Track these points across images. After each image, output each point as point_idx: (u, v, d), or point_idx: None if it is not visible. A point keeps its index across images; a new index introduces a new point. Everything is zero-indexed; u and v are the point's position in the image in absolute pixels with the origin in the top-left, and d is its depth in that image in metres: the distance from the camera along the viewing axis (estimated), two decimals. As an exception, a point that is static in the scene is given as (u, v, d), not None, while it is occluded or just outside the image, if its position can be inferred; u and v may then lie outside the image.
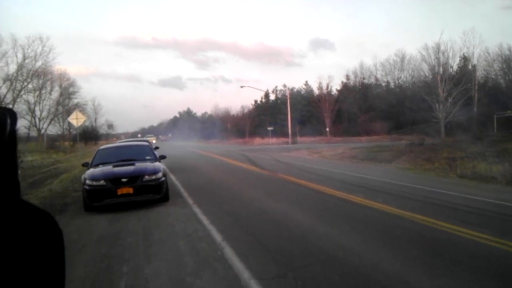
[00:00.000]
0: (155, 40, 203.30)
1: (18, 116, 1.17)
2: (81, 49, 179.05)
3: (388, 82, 77.47)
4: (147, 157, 12.61)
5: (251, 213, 9.60)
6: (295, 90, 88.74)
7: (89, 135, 64.65)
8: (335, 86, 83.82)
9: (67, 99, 63.73)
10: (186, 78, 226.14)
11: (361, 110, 71.02)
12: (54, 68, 58.62)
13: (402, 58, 72.85)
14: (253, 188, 14.05)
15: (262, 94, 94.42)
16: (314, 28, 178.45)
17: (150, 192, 10.80)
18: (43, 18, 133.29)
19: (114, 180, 10.55)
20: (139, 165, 11.46)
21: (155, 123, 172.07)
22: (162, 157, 13.51)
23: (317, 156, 29.95)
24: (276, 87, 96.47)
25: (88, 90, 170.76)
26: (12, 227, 1.02)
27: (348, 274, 5.35)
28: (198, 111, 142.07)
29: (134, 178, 10.70)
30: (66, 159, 33.76)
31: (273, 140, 63.10)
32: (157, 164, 11.84)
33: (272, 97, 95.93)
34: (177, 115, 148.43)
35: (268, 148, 46.81)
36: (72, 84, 64.77)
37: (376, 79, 79.11)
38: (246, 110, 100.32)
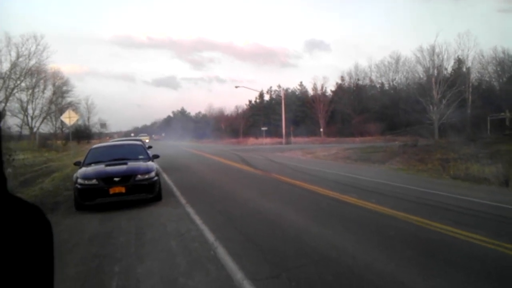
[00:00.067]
0: (150, 40, 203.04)
1: (2, 114, 1.14)
2: (75, 48, 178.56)
3: (382, 84, 77.83)
4: (140, 157, 12.52)
5: (244, 212, 9.54)
6: (289, 90, 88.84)
7: (81, 134, 64.32)
8: (330, 87, 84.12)
9: (60, 98, 63.26)
10: (180, 78, 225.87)
11: (355, 111, 71.21)
12: (48, 66, 58.20)
13: (397, 60, 73.30)
14: (246, 187, 13.99)
15: (257, 94, 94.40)
16: (309, 29, 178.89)
17: (142, 192, 10.71)
18: (38, 17, 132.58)
19: (106, 179, 10.45)
20: (131, 164, 11.36)
21: (148, 123, 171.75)
22: (155, 157, 13.42)
23: (310, 156, 29.93)
24: (271, 87, 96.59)
25: (82, 89, 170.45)
26: (0, 221, 1.00)
27: (342, 274, 5.30)
28: (192, 110, 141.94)
29: (127, 177, 10.61)
30: (58, 157, 33.53)
31: (267, 140, 63.07)
32: (150, 163, 11.75)
33: (266, 97, 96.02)
34: (171, 115, 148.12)
35: (262, 148, 46.76)
36: (65, 82, 64.37)
37: (371, 81, 79.46)
38: (240, 110, 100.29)
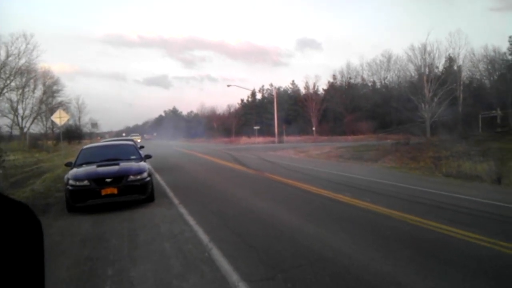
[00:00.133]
0: (142, 39, 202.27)
1: None
2: (65, 47, 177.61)
3: (374, 82, 78.15)
4: (132, 157, 12.40)
5: (238, 213, 9.47)
6: (281, 89, 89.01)
7: (72, 134, 63.97)
8: (322, 86, 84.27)
9: (50, 98, 62.65)
10: (172, 76, 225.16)
11: (347, 109, 71.41)
12: (38, 66, 57.56)
13: (389, 59, 73.58)
14: (239, 187, 13.92)
15: (249, 93, 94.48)
16: (301, 28, 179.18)
17: (135, 193, 10.59)
18: (27, 15, 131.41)
19: (98, 180, 10.32)
20: (123, 165, 11.24)
21: (140, 122, 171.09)
22: (148, 157, 13.31)
23: (303, 155, 29.92)
24: (263, 86, 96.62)
25: (73, 89, 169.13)
26: None
27: (338, 275, 5.25)
28: (184, 110, 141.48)
29: (119, 178, 10.49)
30: (49, 158, 33.25)
31: (259, 139, 63.02)
32: (142, 164, 11.63)
33: (258, 96, 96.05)
34: (163, 114, 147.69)
35: (254, 147, 46.70)
36: (56, 82, 63.76)
37: (363, 79, 79.75)
38: (232, 109, 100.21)
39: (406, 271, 5.29)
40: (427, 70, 54.76)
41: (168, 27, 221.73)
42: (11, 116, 57.58)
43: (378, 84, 77.39)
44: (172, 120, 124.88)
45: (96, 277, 5.72)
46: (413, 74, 60.51)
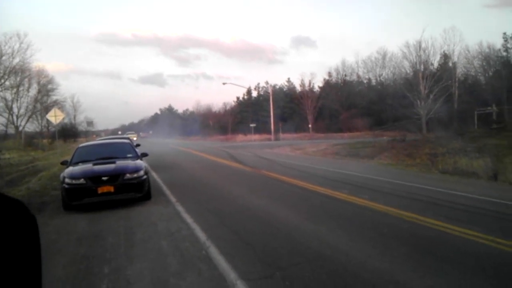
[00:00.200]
0: (136, 37, 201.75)
1: None
2: (60, 46, 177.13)
3: (369, 79, 78.22)
4: (128, 155, 12.34)
5: (235, 210, 9.45)
6: (277, 87, 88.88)
7: (68, 132, 63.72)
8: (317, 83, 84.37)
9: (45, 96, 62.40)
10: (167, 75, 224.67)
11: (343, 106, 71.45)
12: (32, 65, 57.34)
13: (384, 56, 73.65)
14: (236, 185, 13.89)
15: (244, 91, 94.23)
16: (296, 25, 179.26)
17: (131, 191, 10.54)
18: (21, 14, 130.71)
19: (94, 179, 10.27)
20: (120, 163, 11.19)
21: (135, 120, 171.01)
22: (144, 155, 13.25)
23: (299, 152, 29.92)
24: (259, 84, 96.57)
25: (67, 87, 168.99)
26: None
27: (335, 272, 5.23)
28: (180, 108, 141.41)
29: (115, 177, 10.43)
30: (45, 156, 33.11)
31: (256, 136, 62.98)
32: (138, 162, 11.58)
33: (254, 94, 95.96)
34: (158, 112, 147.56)
35: (251, 144, 46.68)
36: (50, 81, 63.50)
37: (358, 76, 79.81)
38: (228, 107, 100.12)
39: (403, 269, 5.28)
40: (422, 67, 54.88)
41: (163, 25, 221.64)
42: (6, 114, 57.43)
43: (373, 81, 77.53)
44: (168, 118, 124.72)
45: (93, 276, 5.68)
46: (408, 71, 60.63)
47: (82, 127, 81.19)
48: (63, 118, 38.97)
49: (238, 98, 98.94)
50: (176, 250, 6.56)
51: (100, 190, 10.17)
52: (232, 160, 24.44)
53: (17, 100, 57.89)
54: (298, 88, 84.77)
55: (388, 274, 5.10)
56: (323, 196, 10.89)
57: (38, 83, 61.07)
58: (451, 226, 7.17)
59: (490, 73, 59.71)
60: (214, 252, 6.27)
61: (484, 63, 60.73)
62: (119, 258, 6.36)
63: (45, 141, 53.57)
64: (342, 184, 12.75)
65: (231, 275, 5.26)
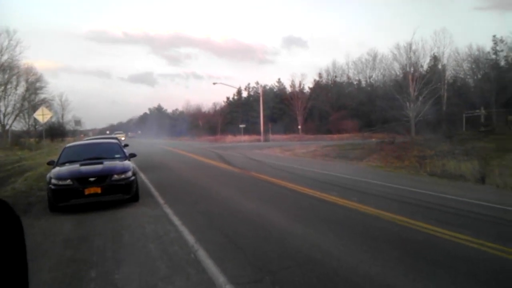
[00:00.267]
0: (126, 35, 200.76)
1: None
2: (49, 44, 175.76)
3: (360, 81, 78.60)
4: (116, 155, 12.20)
5: (225, 213, 9.36)
6: (267, 87, 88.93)
7: (55, 131, 63.19)
8: (308, 84, 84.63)
9: (33, 95, 61.74)
10: (157, 74, 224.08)
11: (333, 108, 71.67)
12: (21, 62, 56.76)
13: (374, 57, 74.13)
14: (225, 186, 13.81)
15: (235, 91, 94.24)
16: (287, 26, 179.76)
17: (119, 192, 10.41)
18: (10, 11, 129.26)
19: (81, 180, 10.11)
20: (107, 163, 11.04)
21: (124, 120, 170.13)
22: (132, 156, 13.13)
23: (289, 154, 29.92)
24: (249, 84, 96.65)
25: (56, 86, 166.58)
26: None
27: (326, 276, 5.18)
28: (169, 107, 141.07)
29: (102, 178, 10.29)
30: (31, 156, 32.71)
31: (245, 137, 62.91)
32: (126, 162, 11.44)
33: (244, 94, 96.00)
34: (147, 112, 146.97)
35: (240, 145, 46.61)
36: (39, 79, 62.85)
37: (348, 78, 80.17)
38: (218, 107, 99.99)
39: (395, 273, 5.24)
40: (412, 69, 55.17)
41: (153, 24, 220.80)
42: (-8, 113, 56.66)
43: (363, 83, 77.93)
44: (157, 118, 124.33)
45: (80, 280, 5.57)
46: (398, 73, 60.96)
47: (70, 126, 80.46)
48: (51, 117, 38.61)
49: (228, 98, 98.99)
50: (164, 254, 6.46)
51: (87, 191, 10.03)
52: (222, 161, 24.35)
53: (4, 98, 57.22)
54: (289, 89, 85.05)
55: (380, 279, 5.06)
56: (314, 199, 10.85)
57: (27, 81, 60.43)
58: (441, 230, 7.16)
59: (479, 76, 60.21)
60: (203, 255, 6.18)
61: (473, 66, 61.27)
62: (106, 261, 6.25)
63: (32, 140, 53.07)
64: (332, 186, 12.73)
65: (220, 279, 5.19)
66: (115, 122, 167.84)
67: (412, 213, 8.61)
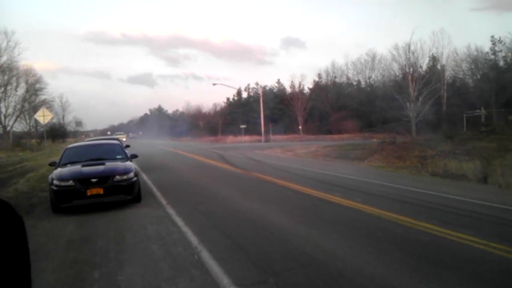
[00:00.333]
0: (125, 36, 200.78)
1: None
2: (48, 44, 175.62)
3: (359, 81, 78.52)
4: (118, 156, 12.18)
5: (228, 213, 9.34)
6: (267, 88, 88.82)
7: (56, 132, 63.22)
8: (307, 85, 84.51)
9: (33, 96, 61.71)
10: (156, 75, 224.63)
11: (333, 108, 71.64)
12: (20, 63, 56.69)
13: (373, 58, 74.08)
14: (227, 187, 13.79)
15: (235, 92, 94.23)
16: (285, 26, 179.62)
17: (121, 193, 10.39)
18: (9, 12, 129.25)
19: (83, 180, 10.09)
20: (109, 164, 11.02)
21: (125, 121, 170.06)
22: (134, 156, 13.10)
23: (290, 154, 29.89)
24: (249, 85, 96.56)
25: (56, 87, 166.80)
26: None
27: (331, 278, 5.15)
28: (170, 108, 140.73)
29: (104, 178, 10.27)
30: (33, 157, 32.70)
31: (246, 138, 62.90)
32: (128, 163, 11.42)
33: (244, 95, 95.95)
34: (148, 113, 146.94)
35: (241, 146, 46.57)
36: (38, 80, 62.79)
37: (348, 78, 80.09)
38: (218, 108, 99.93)
39: (400, 274, 5.21)
40: (411, 69, 55.08)
41: (152, 25, 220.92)
42: (-7, 114, 56.65)
43: (363, 83, 77.84)
44: (157, 119, 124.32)
45: (82, 281, 5.56)
46: (397, 73, 60.79)
47: (71, 127, 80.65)
48: (52, 118, 38.63)
49: (228, 99, 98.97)
50: (168, 255, 6.44)
51: (89, 192, 10.01)
52: (223, 161, 24.32)
53: (4, 99, 57.17)
54: (288, 90, 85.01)
55: (385, 280, 5.02)
56: (316, 199, 10.82)
57: (26, 82, 60.39)
58: (445, 230, 7.13)
59: (478, 76, 60.16)
60: (206, 256, 6.16)
61: (472, 66, 61.22)
62: (109, 262, 6.23)
63: (33, 141, 53.08)
64: (333, 187, 12.71)
65: (224, 280, 5.17)
66: (115, 123, 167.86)
67: (415, 214, 8.58)
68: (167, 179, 16.37)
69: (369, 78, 76.30)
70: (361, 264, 5.61)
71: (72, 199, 9.92)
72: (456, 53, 60.41)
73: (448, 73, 61.73)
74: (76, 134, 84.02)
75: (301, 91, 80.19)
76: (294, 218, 8.65)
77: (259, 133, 61.25)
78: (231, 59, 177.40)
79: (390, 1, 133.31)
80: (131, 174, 10.70)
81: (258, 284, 5.06)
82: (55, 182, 10.06)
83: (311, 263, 5.74)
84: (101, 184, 10.15)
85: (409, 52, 54.65)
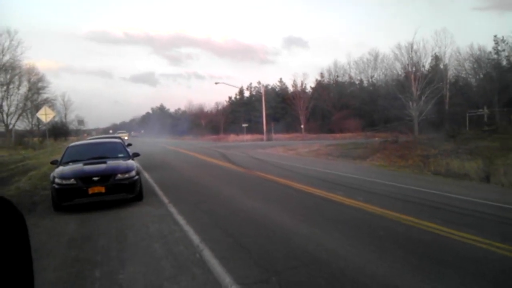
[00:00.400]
0: (127, 35, 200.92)
1: None
2: (50, 44, 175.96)
3: (361, 80, 78.49)
4: (120, 155, 12.17)
5: (229, 212, 9.32)
6: (269, 87, 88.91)
7: (58, 131, 63.34)
8: (310, 84, 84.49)
9: (35, 94, 61.86)
10: (159, 74, 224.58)
11: (335, 107, 71.62)
12: (23, 62, 56.92)
13: (376, 57, 74.05)
14: (229, 186, 13.77)
15: (237, 90, 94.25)
16: (288, 26, 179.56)
17: (123, 191, 10.38)
18: (11, 11, 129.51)
19: (85, 179, 10.09)
20: (111, 163, 11.02)
21: (127, 119, 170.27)
22: (136, 155, 13.08)
23: (292, 153, 29.86)
24: (251, 84, 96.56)
25: (58, 85, 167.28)
26: None
27: (333, 277, 5.13)
28: (172, 107, 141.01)
29: (106, 177, 10.26)
30: (35, 155, 32.74)
31: (248, 137, 62.89)
32: (130, 162, 11.42)
33: (246, 94, 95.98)
34: (150, 111, 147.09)
35: (243, 145, 46.57)
36: (41, 79, 62.96)
37: (350, 77, 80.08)
38: (220, 107, 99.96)
39: (402, 273, 5.19)
40: (413, 68, 54.96)
41: (154, 24, 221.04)
42: (-5, 113, 56.79)
43: (365, 82, 77.82)
44: (159, 118, 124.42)
45: (84, 279, 5.54)
46: (400, 73, 60.69)
47: (73, 125, 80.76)
48: (54, 117, 38.67)
49: (230, 98, 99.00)
50: (169, 253, 6.42)
51: (91, 190, 10.01)
52: (225, 160, 24.31)
53: (7, 98, 57.37)
54: (290, 89, 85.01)
55: (387, 279, 5.00)
56: (319, 198, 10.80)
57: (29, 81, 60.57)
58: (448, 230, 7.10)
59: (481, 75, 60.06)
60: (208, 255, 6.14)
61: (475, 65, 61.11)
62: (111, 261, 6.22)
63: (35, 139, 53.19)
64: (336, 186, 12.68)
65: (226, 279, 5.15)
66: (117, 121, 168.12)
67: (417, 213, 8.55)
68: (168, 177, 16.37)
69: (372, 77, 76.31)
70: (363, 263, 5.59)
71: (74, 197, 9.92)
72: (459, 53, 60.39)
73: (451, 73, 61.67)
74: (78, 133, 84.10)
75: (303, 90, 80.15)
76: (296, 217, 8.63)
77: (261, 132, 61.25)
78: (233, 58, 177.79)
79: (393, 0, 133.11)
80: (133, 173, 10.69)
81: (260, 283, 5.04)
82: (57, 180, 10.06)
83: (313, 262, 5.72)
84: (103, 183, 10.14)
85: (411, 51, 54.55)
